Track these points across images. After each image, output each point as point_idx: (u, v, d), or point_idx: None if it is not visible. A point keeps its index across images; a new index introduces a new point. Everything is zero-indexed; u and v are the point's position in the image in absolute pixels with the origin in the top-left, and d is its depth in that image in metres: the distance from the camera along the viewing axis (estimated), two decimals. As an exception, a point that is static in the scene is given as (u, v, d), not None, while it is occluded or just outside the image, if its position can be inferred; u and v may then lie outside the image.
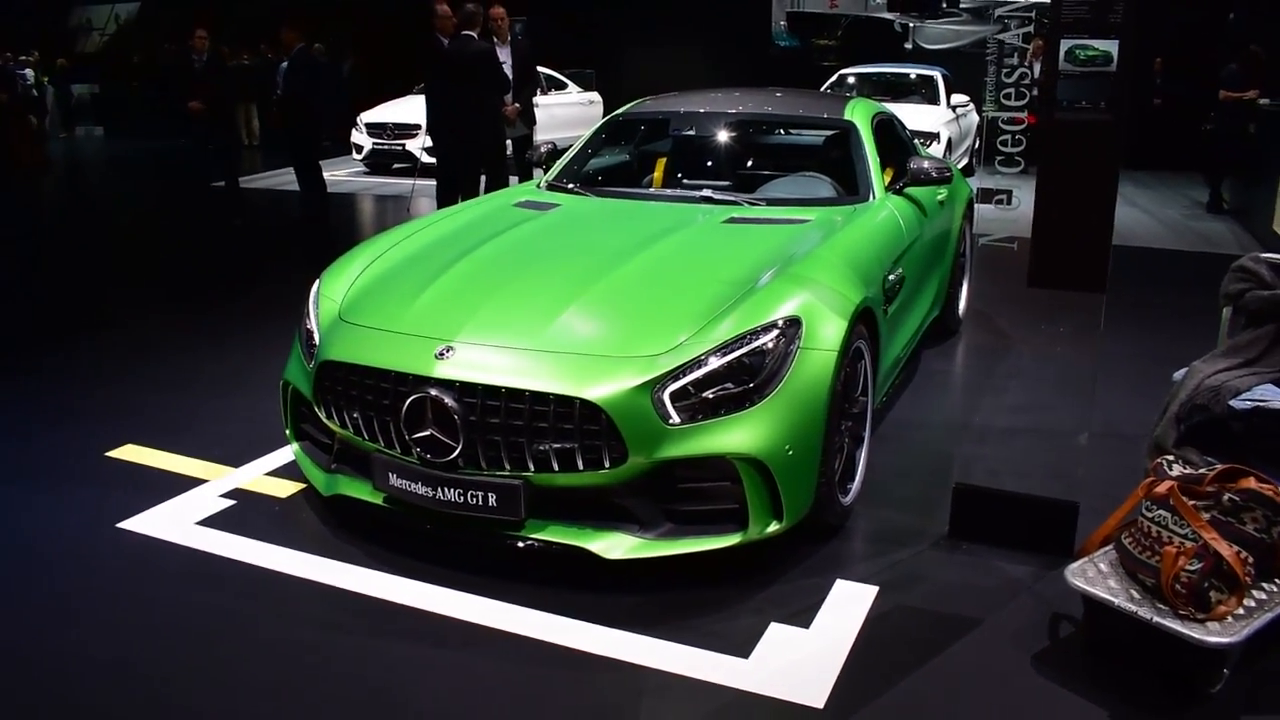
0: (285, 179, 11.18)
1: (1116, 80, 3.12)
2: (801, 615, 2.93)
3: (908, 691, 2.61)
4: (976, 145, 12.12)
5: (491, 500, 3.00)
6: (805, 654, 2.75)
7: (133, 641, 2.81)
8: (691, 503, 3.05)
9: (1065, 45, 3.18)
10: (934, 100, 11.80)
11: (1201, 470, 2.73)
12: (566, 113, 14.00)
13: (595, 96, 15.43)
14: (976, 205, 4.03)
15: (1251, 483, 2.61)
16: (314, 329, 3.54)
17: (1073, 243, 3.23)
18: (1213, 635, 2.49)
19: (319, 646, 2.79)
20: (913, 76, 12.55)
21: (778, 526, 3.06)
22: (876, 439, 4.02)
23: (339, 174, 13.03)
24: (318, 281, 3.80)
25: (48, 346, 5.60)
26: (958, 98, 11.80)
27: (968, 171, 10.46)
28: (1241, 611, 2.56)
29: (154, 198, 12.07)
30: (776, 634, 2.83)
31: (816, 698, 2.56)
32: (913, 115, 10.08)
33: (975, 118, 12.05)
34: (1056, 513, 3.28)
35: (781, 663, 2.71)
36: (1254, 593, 2.62)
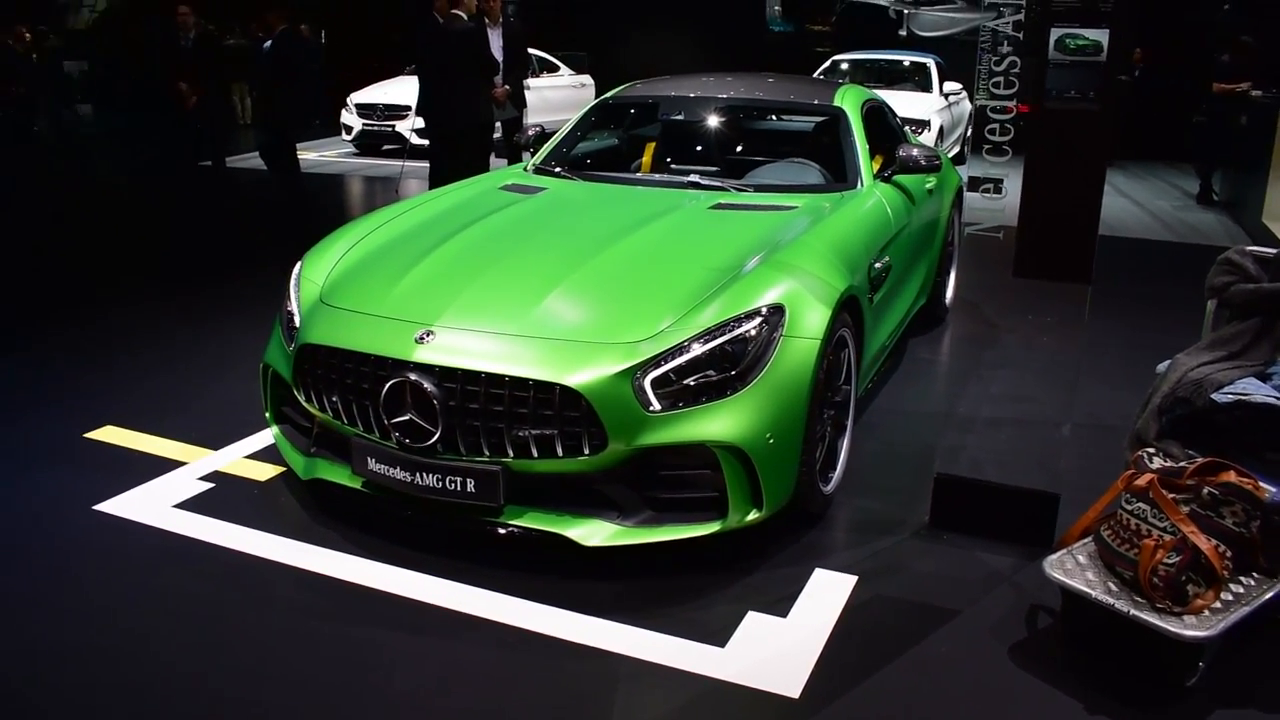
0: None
1: (1106, 70, 3.10)
2: (779, 604, 2.92)
3: (885, 681, 2.60)
4: (969, 134, 12.10)
5: (470, 486, 2.98)
6: (782, 643, 2.74)
7: (105, 624, 2.79)
8: (671, 490, 3.03)
9: (1055, 34, 3.16)
10: (926, 88, 11.78)
11: (1182, 464, 2.72)
12: (558, 95, 13.93)
13: (587, 79, 15.34)
14: (966, 193, 4.03)
15: (1231, 477, 2.60)
16: (295, 311, 3.50)
17: (1058, 233, 3.22)
18: (1189, 629, 2.49)
19: (295, 631, 2.77)
20: (906, 64, 12.52)
21: (757, 515, 3.05)
22: (860, 427, 4.01)
23: (327, 154, 12.94)
24: (300, 264, 3.77)
25: (28, 328, 5.55)
26: (950, 86, 11.78)
27: (959, 160, 10.44)
28: (1218, 605, 2.55)
29: (140, 177, 11.97)
30: (754, 623, 2.82)
31: (792, 687, 2.55)
32: (904, 102, 10.07)
33: (968, 106, 12.04)
34: (1038, 504, 3.27)
35: (758, 652, 2.70)
36: (1231, 587, 2.62)
